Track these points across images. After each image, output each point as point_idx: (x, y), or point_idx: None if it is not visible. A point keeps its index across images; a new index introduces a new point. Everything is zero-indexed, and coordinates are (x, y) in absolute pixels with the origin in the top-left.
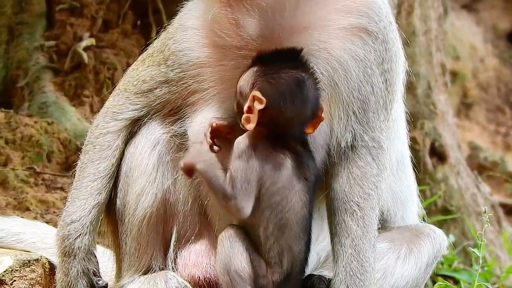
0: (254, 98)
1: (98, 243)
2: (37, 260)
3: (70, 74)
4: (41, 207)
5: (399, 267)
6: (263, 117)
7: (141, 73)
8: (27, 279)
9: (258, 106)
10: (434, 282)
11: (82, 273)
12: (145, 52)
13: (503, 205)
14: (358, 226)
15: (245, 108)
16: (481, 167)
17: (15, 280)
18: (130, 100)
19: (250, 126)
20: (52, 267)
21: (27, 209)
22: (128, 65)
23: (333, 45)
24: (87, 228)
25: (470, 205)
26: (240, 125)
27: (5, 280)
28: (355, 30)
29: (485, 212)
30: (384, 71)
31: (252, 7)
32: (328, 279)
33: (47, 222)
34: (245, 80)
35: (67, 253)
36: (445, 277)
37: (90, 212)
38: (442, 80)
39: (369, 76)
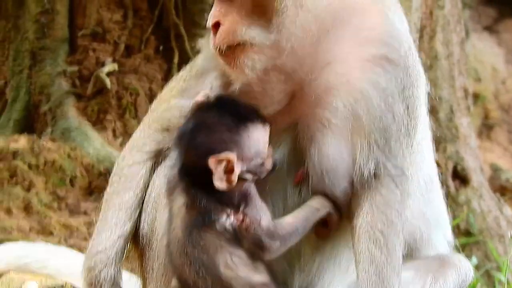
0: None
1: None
2: (62, 286)
3: (93, 99)
4: (64, 232)
5: None
6: None
7: (165, 111)
8: None
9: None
10: None
11: None
12: (170, 85)
13: None
14: (382, 253)
15: None
16: (503, 189)
17: None
18: (155, 135)
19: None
20: None
21: (51, 233)
22: (151, 90)
23: (355, 77)
24: (112, 259)
25: (492, 228)
26: None
27: None
28: (376, 59)
29: (511, 237)
30: (405, 97)
31: (276, 72)
32: None
33: (70, 247)
34: None
35: (93, 284)
36: None
37: (116, 243)
38: (464, 104)
39: (390, 105)
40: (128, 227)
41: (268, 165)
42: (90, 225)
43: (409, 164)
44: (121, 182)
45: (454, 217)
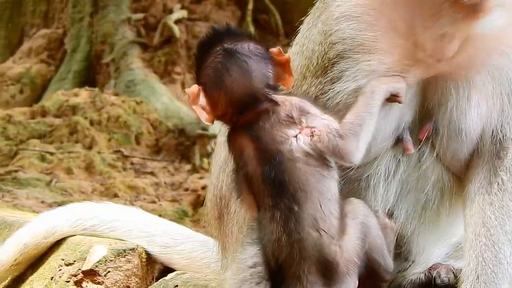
0: (188, 94)
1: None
2: (133, 249)
3: (160, 50)
4: (130, 193)
5: None
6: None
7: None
8: (122, 270)
9: (199, 101)
10: None
11: None
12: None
13: None
14: (495, 216)
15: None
16: None
17: (109, 271)
18: None
19: (204, 119)
20: (149, 257)
21: (115, 195)
22: None
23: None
24: None
25: None
26: None
27: (99, 271)
28: None
29: None
30: None
31: None
32: (456, 269)
33: None
34: None
35: None
36: None
37: None
38: None
39: None
40: None
41: None
42: (158, 186)
43: None
44: None
45: None
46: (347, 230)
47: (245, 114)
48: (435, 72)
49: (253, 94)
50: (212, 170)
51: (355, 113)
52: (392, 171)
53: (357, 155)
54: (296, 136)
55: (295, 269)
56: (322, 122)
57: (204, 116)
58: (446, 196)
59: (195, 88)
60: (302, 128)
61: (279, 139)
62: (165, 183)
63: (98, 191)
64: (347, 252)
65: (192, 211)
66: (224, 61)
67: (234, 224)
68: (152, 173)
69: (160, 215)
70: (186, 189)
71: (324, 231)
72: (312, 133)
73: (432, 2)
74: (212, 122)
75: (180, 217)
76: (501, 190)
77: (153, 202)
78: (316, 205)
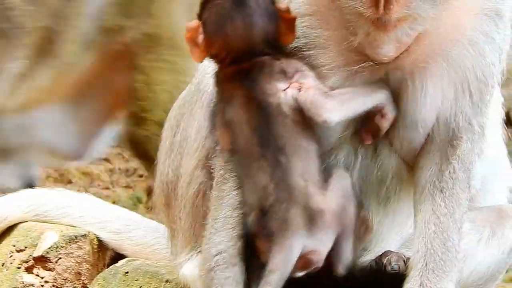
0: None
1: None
2: (84, 235)
3: None
4: (84, 180)
5: (481, 250)
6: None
7: None
8: (73, 257)
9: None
10: None
11: None
12: None
13: None
14: (445, 204)
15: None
16: None
17: (60, 258)
18: None
19: (194, 56)
20: (101, 243)
21: (69, 182)
22: None
23: (467, 27)
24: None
25: None
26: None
27: (50, 257)
28: (488, 12)
29: None
30: (501, 51)
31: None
32: (407, 258)
33: None
34: None
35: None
36: None
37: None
38: None
39: (493, 58)
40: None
41: None
42: (112, 172)
43: (486, 122)
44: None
45: None
46: (330, 187)
47: (240, 64)
48: (382, 72)
49: (251, 47)
50: (158, 156)
51: (351, 90)
52: (352, 163)
53: (334, 114)
54: (285, 90)
55: (282, 214)
56: (314, 82)
57: (195, 53)
58: (404, 187)
59: (195, 23)
60: (292, 83)
61: (269, 92)
62: (119, 169)
63: (52, 177)
64: (330, 204)
65: (146, 197)
66: (230, 9)
67: (182, 209)
68: (106, 160)
69: (114, 202)
70: (140, 176)
71: (310, 182)
72: (300, 87)
73: (349, 13)
74: (202, 60)
75: (134, 204)
76: (452, 178)
77: (107, 188)
78: (302, 159)
